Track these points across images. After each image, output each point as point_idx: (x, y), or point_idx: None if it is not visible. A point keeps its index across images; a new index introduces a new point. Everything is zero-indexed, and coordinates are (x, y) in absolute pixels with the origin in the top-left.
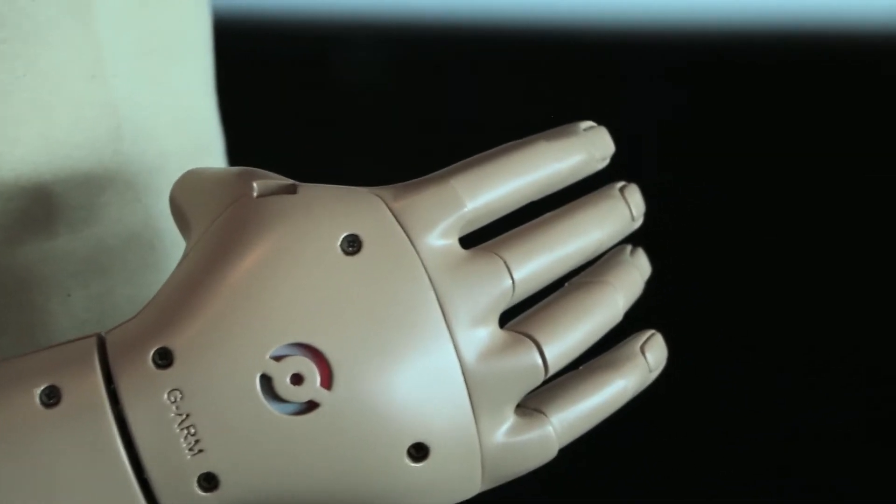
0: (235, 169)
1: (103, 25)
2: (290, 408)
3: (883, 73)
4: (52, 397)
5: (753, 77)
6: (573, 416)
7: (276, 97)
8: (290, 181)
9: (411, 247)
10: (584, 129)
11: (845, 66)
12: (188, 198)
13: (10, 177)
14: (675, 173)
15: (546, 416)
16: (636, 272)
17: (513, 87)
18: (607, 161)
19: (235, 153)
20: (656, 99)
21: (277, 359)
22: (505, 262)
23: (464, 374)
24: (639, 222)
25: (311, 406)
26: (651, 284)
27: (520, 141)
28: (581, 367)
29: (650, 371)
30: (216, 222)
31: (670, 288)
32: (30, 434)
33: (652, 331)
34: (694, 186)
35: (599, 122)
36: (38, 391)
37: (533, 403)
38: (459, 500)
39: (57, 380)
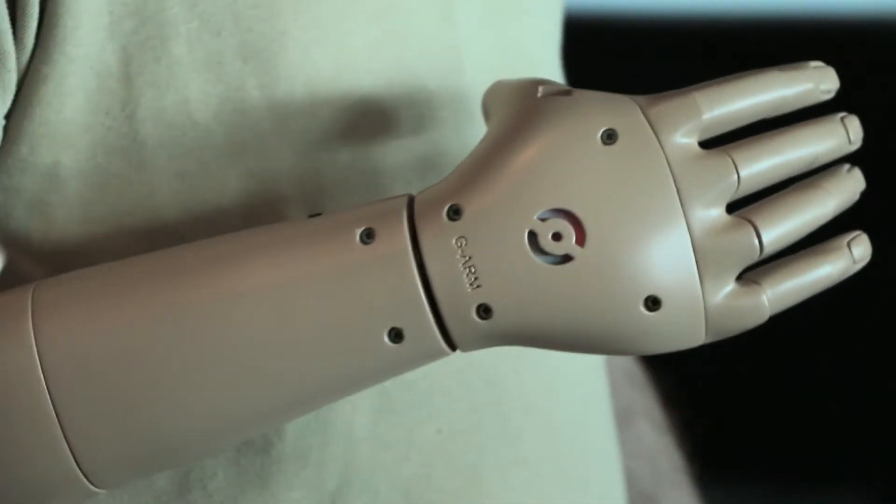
0: (529, 78)
1: None
2: (550, 259)
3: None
4: (370, 237)
5: None
6: (784, 289)
7: None
8: (568, 87)
9: (657, 142)
10: (814, 67)
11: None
12: (493, 98)
13: (367, 84)
14: None
15: (761, 286)
16: (850, 182)
17: None
18: (832, 94)
19: None
20: None
21: (543, 220)
22: (733, 161)
23: (693, 245)
24: (856, 145)
25: (566, 259)
26: None
27: (757, 70)
28: (796, 254)
29: (854, 262)
30: (510, 113)
31: None
32: (348, 262)
33: (859, 231)
34: None
35: None
36: (358, 231)
37: (752, 276)
38: (686, 346)
39: (374, 224)
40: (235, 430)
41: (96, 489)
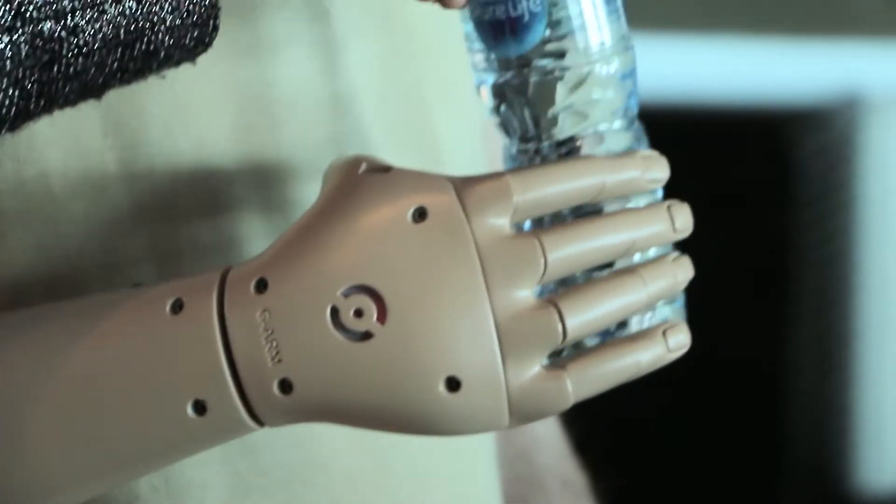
0: (356, 155)
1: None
2: (351, 335)
3: None
4: (180, 308)
5: None
6: (589, 375)
7: None
8: (389, 165)
9: (466, 222)
10: (642, 156)
11: None
12: (326, 175)
13: (233, 166)
14: None
15: (566, 371)
16: (672, 270)
17: None
18: (660, 184)
19: None
20: None
21: (346, 295)
22: (541, 244)
23: (496, 326)
24: (683, 234)
25: (367, 336)
26: None
27: (582, 156)
28: (608, 340)
29: (668, 352)
30: (330, 189)
31: None
32: (155, 331)
33: (679, 320)
34: None
35: None
36: (169, 301)
37: (560, 361)
38: (490, 429)
39: (185, 295)
40: (45, 493)
41: None
